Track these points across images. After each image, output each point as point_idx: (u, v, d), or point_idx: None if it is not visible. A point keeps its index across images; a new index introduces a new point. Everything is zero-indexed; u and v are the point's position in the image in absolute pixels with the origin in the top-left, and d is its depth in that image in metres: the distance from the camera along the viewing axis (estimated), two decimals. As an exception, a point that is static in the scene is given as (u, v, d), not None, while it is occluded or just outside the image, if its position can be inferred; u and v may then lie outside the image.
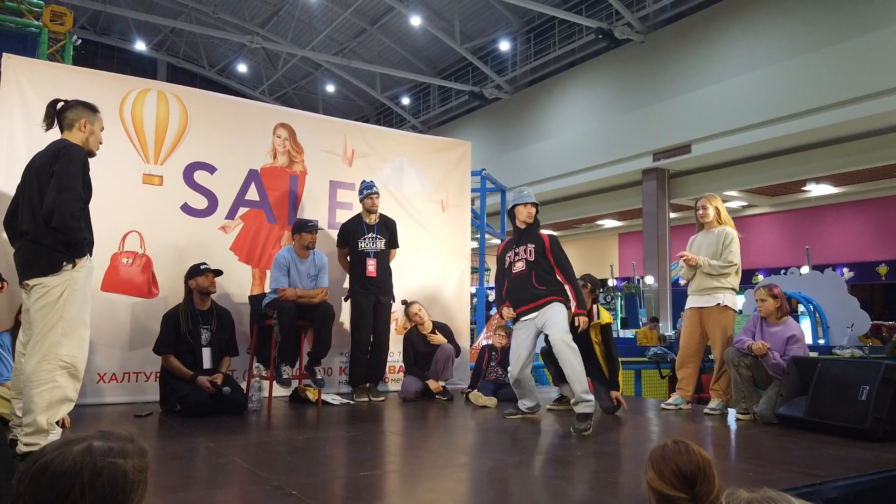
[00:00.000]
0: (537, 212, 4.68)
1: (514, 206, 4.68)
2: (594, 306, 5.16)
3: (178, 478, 2.78)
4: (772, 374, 4.58)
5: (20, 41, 8.42)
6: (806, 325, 10.81)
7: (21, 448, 2.87)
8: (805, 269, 13.63)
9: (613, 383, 5.00)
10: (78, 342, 3.08)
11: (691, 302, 5.22)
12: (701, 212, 5.25)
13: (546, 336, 4.49)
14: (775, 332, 4.68)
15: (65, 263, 3.03)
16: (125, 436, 1.15)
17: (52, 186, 3.03)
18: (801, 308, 11.57)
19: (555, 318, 4.34)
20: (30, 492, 1.04)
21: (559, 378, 5.11)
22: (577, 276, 4.66)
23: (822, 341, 10.66)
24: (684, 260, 5.15)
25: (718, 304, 5.02)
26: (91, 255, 3.27)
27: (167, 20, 20.54)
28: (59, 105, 3.28)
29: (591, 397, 4.20)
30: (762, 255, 18.74)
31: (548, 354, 5.07)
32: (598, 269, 22.20)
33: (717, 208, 5.22)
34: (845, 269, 16.72)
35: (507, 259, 4.66)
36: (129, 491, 1.08)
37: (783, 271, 13.35)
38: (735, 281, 5.11)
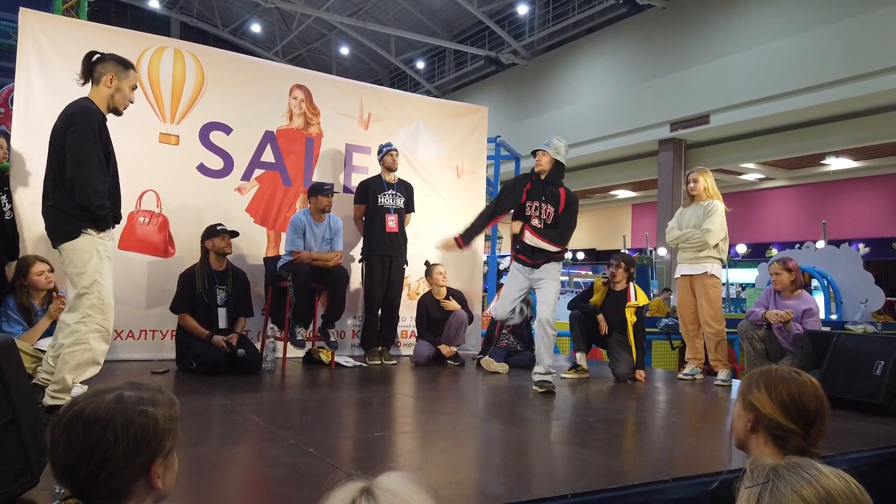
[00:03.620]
0: (557, 166, 4.54)
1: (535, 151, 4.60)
2: (631, 286, 5.20)
3: (195, 433, 2.83)
4: (786, 347, 4.57)
5: (35, -4, 8.35)
6: (819, 299, 10.74)
7: (46, 401, 2.92)
8: (821, 244, 13.50)
9: (640, 363, 5.11)
10: (108, 308, 3.08)
11: (681, 270, 5.32)
12: (692, 185, 5.27)
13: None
14: (790, 306, 4.67)
15: (84, 230, 3.02)
16: (155, 387, 1.17)
17: (68, 161, 2.97)
18: (814, 283, 11.50)
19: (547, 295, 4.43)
20: (64, 438, 1.07)
21: (580, 343, 5.17)
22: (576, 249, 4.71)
23: (834, 316, 10.61)
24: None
25: (706, 272, 5.09)
26: (119, 223, 3.28)
27: (181, -22, 20.31)
28: (95, 58, 3.17)
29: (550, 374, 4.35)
30: (777, 229, 18.57)
31: (578, 318, 5.14)
32: (610, 240, 22.13)
33: (706, 181, 5.25)
34: (861, 245, 16.55)
35: (528, 206, 4.53)
36: (161, 438, 1.11)
37: (798, 245, 13.23)
38: (722, 251, 5.16)
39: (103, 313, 3.02)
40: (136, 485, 1.09)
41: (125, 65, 3.20)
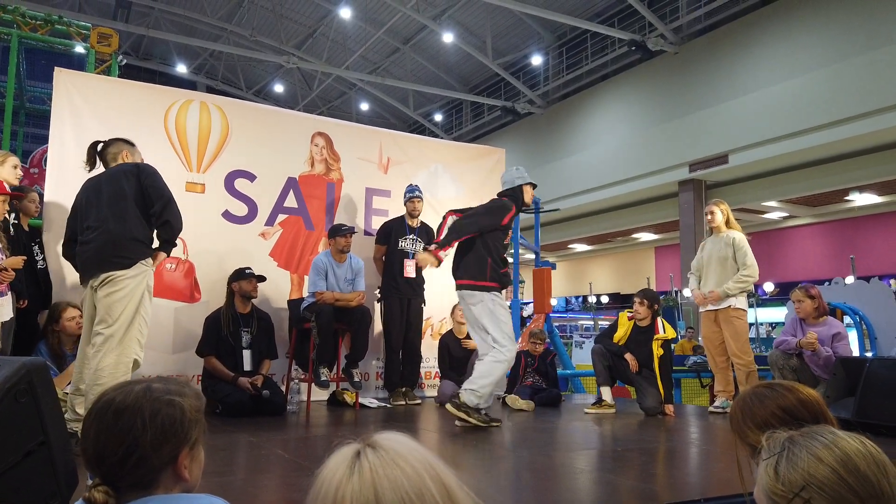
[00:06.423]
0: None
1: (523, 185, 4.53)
2: (658, 320, 5.18)
3: (221, 465, 2.83)
4: (818, 374, 4.47)
5: (68, 61, 8.76)
6: (853, 336, 10.49)
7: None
8: (850, 280, 13.25)
9: (668, 398, 5.04)
10: (143, 339, 3.27)
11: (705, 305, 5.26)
12: (709, 217, 5.30)
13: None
14: (818, 332, 4.58)
15: (144, 260, 3.20)
16: (182, 381, 1.20)
17: (156, 197, 3.37)
18: (847, 319, 11.25)
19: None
20: (95, 427, 1.10)
21: (603, 377, 5.11)
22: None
23: (869, 353, 10.33)
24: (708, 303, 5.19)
25: (730, 305, 5.06)
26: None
27: (207, 43, 21.14)
28: (100, 145, 3.52)
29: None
30: (805, 267, 18.29)
31: (600, 352, 5.10)
32: (634, 283, 21.90)
33: (725, 212, 5.27)
34: (893, 281, 16.19)
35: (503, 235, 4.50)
36: (187, 428, 1.13)
37: (827, 283, 13.00)
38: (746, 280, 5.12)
39: (140, 344, 3.17)
40: (164, 474, 1.11)
41: (131, 143, 3.58)
